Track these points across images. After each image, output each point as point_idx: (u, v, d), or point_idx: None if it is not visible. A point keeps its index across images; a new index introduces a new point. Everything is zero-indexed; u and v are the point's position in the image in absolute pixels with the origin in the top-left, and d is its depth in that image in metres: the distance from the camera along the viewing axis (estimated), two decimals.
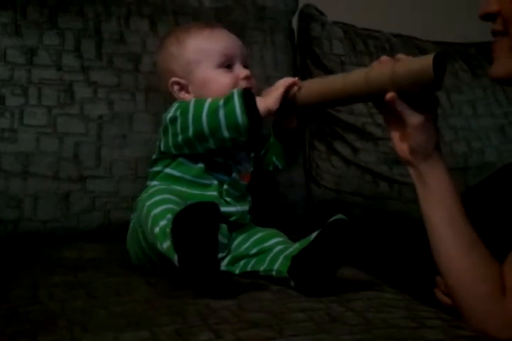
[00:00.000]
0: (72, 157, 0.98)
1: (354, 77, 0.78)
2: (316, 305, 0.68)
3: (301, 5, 1.22)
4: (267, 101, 0.81)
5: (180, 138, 0.83)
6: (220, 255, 0.82)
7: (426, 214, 0.76)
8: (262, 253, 0.81)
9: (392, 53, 1.23)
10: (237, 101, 0.79)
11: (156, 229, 0.73)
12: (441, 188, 0.76)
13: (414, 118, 0.74)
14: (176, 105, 0.86)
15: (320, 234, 0.73)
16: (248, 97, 0.80)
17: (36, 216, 0.96)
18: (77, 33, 1.03)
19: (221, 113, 0.80)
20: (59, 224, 0.97)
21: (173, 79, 0.90)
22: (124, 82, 1.02)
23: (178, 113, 0.83)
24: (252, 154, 0.92)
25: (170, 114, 0.85)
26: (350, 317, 0.65)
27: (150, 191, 0.79)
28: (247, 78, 0.88)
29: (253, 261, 0.81)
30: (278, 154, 0.92)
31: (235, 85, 0.87)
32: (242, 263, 0.82)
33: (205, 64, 0.89)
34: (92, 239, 0.95)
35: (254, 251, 0.82)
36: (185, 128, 0.82)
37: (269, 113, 0.81)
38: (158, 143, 0.88)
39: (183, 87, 0.90)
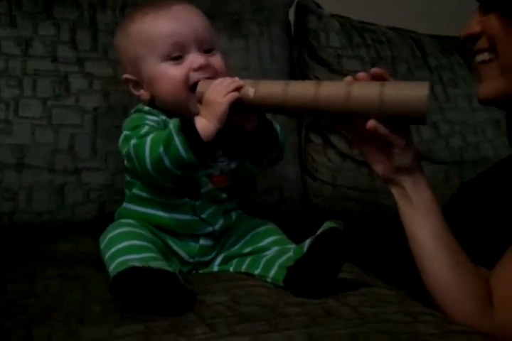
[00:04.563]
0: (68, 149, 0.97)
1: (330, 91, 0.71)
2: (310, 299, 0.69)
3: None
4: (210, 122, 0.72)
5: (137, 174, 0.78)
6: (209, 257, 0.82)
7: (410, 231, 0.76)
8: (256, 252, 0.80)
9: (389, 46, 1.24)
10: (177, 140, 0.71)
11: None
12: (425, 204, 0.75)
13: (399, 141, 0.72)
14: (121, 138, 0.78)
15: (313, 244, 0.72)
16: (188, 130, 0.71)
17: (31, 208, 0.95)
18: (72, 23, 1.02)
19: (166, 160, 0.72)
20: (53, 216, 0.96)
21: (125, 76, 0.83)
22: (120, 74, 1.01)
23: (124, 152, 0.77)
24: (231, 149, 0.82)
25: (120, 148, 0.78)
26: (345, 312, 0.65)
27: (112, 233, 0.75)
28: (201, 68, 0.78)
29: (247, 261, 0.80)
30: (248, 157, 0.82)
31: (186, 78, 0.78)
32: (235, 261, 0.81)
33: (150, 58, 0.79)
34: (87, 231, 0.94)
35: (247, 250, 0.81)
36: (136, 172, 0.77)
37: (217, 131, 0.72)
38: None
39: (137, 84, 0.83)
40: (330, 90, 0.72)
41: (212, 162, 0.80)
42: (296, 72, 1.17)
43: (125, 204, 0.83)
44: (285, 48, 1.17)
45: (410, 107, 0.68)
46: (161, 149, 0.72)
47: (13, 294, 0.70)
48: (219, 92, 0.73)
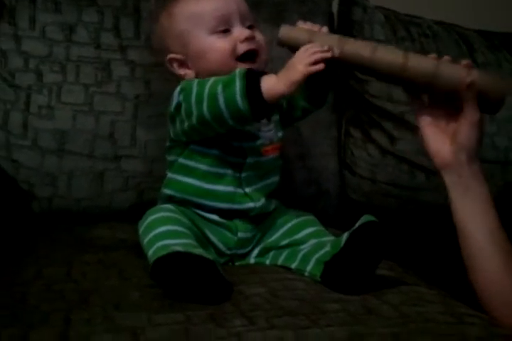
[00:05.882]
0: (108, 136, 0.98)
1: (419, 63, 0.73)
2: (350, 296, 0.67)
3: None
4: (279, 84, 0.71)
5: (186, 124, 0.76)
6: (246, 249, 0.81)
7: (462, 224, 0.72)
8: (293, 245, 0.79)
9: (434, 40, 1.21)
10: (238, 84, 0.70)
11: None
12: (482, 197, 0.72)
13: (475, 114, 0.71)
14: (178, 89, 0.77)
15: (350, 238, 0.70)
16: (251, 78, 0.70)
17: (70, 194, 0.96)
18: (115, 11, 1.02)
19: (221, 100, 0.71)
20: (92, 202, 0.97)
21: (170, 56, 0.82)
22: (162, 62, 1.01)
23: (181, 98, 0.76)
24: (276, 116, 0.84)
25: (174, 100, 0.78)
26: (386, 310, 0.64)
27: (151, 217, 0.75)
28: (248, 39, 0.78)
29: (284, 254, 0.79)
30: (306, 96, 0.83)
31: (234, 49, 0.78)
32: (271, 254, 0.80)
33: (197, 32, 0.80)
34: (124, 218, 0.95)
35: (284, 242, 0.80)
36: (189, 114, 0.75)
37: (281, 97, 0.71)
38: (168, 130, 0.82)
39: (182, 63, 0.82)
40: (418, 65, 0.73)
41: (260, 132, 0.80)
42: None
43: (170, 175, 0.82)
44: None
45: (495, 86, 0.72)
46: (220, 87, 0.71)
47: (50, 278, 0.71)
48: (304, 59, 0.72)
